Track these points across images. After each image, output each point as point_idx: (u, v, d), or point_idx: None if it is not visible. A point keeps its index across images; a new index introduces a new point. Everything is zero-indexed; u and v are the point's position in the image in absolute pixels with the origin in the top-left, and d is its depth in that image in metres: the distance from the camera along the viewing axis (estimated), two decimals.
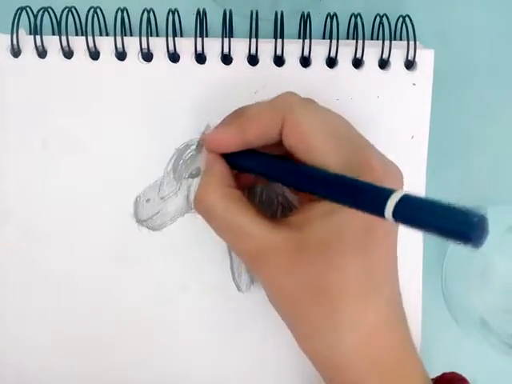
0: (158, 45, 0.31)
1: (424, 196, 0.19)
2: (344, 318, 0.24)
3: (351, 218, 0.23)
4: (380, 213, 0.19)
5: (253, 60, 0.31)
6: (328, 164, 0.24)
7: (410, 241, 0.32)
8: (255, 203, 0.31)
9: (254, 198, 0.31)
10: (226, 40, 0.31)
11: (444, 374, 0.29)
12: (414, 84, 0.31)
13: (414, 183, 0.32)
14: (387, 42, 0.31)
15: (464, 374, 0.35)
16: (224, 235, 0.26)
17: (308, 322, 0.25)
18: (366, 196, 0.21)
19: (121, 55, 0.31)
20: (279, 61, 0.32)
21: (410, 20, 0.31)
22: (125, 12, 0.31)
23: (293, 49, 0.31)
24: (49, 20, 0.31)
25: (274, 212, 0.32)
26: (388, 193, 0.19)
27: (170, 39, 0.31)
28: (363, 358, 0.24)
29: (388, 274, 0.25)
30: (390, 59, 0.31)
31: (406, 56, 0.31)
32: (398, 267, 0.32)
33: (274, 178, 0.28)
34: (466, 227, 0.17)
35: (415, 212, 0.19)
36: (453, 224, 0.17)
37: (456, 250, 0.33)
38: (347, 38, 0.34)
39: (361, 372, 0.24)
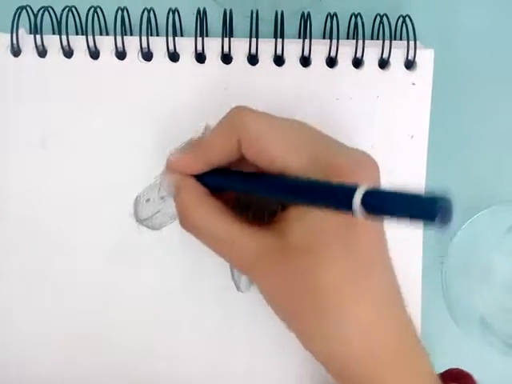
0: (158, 44, 0.31)
1: (384, 188, 0.20)
2: (339, 314, 0.24)
3: (330, 216, 0.24)
4: (350, 210, 0.20)
5: (253, 59, 0.31)
6: (292, 169, 0.24)
7: (410, 241, 0.32)
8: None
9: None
10: (226, 40, 0.31)
11: (449, 370, 0.29)
12: (413, 84, 0.31)
13: (414, 183, 0.32)
14: (387, 42, 0.31)
15: None
16: (213, 246, 0.27)
17: (306, 323, 0.25)
18: (332, 196, 0.21)
19: (121, 54, 0.31)
20: (279, 60, 0.32)
21: (410, 20, 0.31)
22: (125, 11, 0.31)
23: (293, 48, 0.31)
24: (49, 19, 0.31)
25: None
26: (353, 189, 0.20)
27: (170, 39, 0.31)
28: (366, 352, 0.24)
29: (377, 265, 0.25)
30: (390, 59, 0.31)
31: (405, 56, 0.31)
32: (398, 267, 0.31)
33: (243, 191, 0.28)
34: (429, 210, 0.18)
35: (381, 204, 0.19)
36: (417, 208, 0.18)
37: (456, 249, 0.33)
38: (347, 38, 0.34)
39: (367, 365, 0.24)
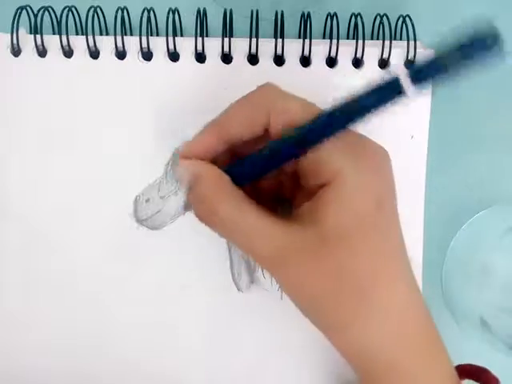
0: (157, 44, 0.31)
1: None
2: (376, 305, 0.23)
3: (362, 198, 0.23)
4: (401, 93, 0.20)
5: (253, 59, 0.31)
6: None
7: (410, 241, 0.32)
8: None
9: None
10: (226, 39, 0.31)
11: (461, 366, 0.29)
12: None
13: (414, 183, 0.32)
14: (387, 42, 0.31)
15: None
16: (240, 239, 0.24)
17: (339, 315, 0.24)
18: (378, 95, 0.21)
19: (121, 54, 0.31)
20: (279, 60, 0.32)
21: (411, 20, 0.31)
22: (125, 11, 0.31)
23: (293, 48, 0.31)
24: (49, 19, 0.31)
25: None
26: (393, 78, 0.19)
27: (170, 38, 0.31)
28: (396, 341, 0.24)
29: (404, 251, 0.25)
30: (390, 59, 0.31)
31: (406, 56, 0.31)
32: None
33: (278, 157, 0.25)
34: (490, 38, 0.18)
35: (430, 66, 0.19)
36: (477, 40, 0.18)
37: (456, 249, 0.33)
38: (347, 38, 0.34)
39: (393, 355, 0.24)
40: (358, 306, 0.24)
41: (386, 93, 0.20)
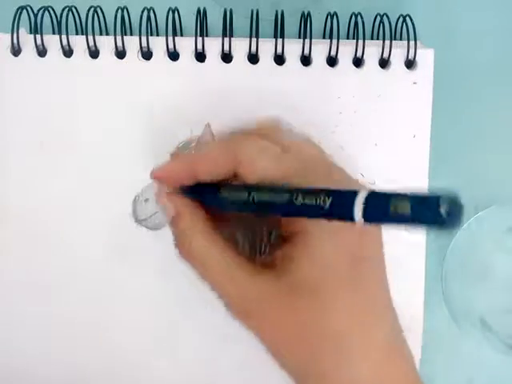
0: (157, 43, 0.31)
1: (387, 190, 0.18)
2: (351, 355, 0.23)
3: (336, 252, 0.23)
4: (350, 217, 0.19)
5: (253, 59, 0.31)
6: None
7: (413, 241, 0.32)
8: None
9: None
10: (227, 39, 0.31)
11: None
12: (414, 83, 0.31)
13: (416, 182, 0.32)
14: (387, 42, 0.31)
15: (464, 374, 0.35)
16: (211, 281, 0.25)
17: (314, 366, 0.24)
18: (331, 204, 0.20)
19: (121, 54, 0.31)
20: (280, 60, 0.32)
21: (411, 19, 0.31)
22: (125, 11, 0.31)
23: (293, 48, 0.31)
24: (49, 19, 0.31)
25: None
26: (353, 194, 0.19)
27: (170, 38, 0.31)
28: None
29: (385, 304, 0.24)
30: (391, 58, 0.31)
31: (406, 55, 0.31)
32: (399, 266, 0.31)
33: (238, 208, 0.25)
34: (438, 214, 0.16)
35: (384, 208, 0.18)
36: (425, 210, 0.17)
37: (456, 249, 0.33)
38: (347, 38, 0.34)
39: None
40: (333, 356, 0.23)
41: (341, 211, 0.19)
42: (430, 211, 0.17)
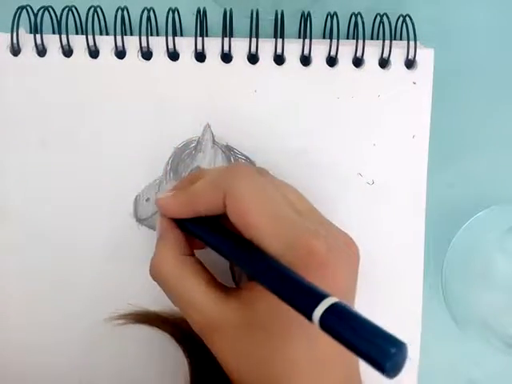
0: (157, 43, 0.31)
1: (353, 310, 0.18)
2: None
3: None
4: (308, 315, 0.19)
5: (253, 58, 0.31)
6: (267, 245, 0.23)
7: (411, 241, 0.32)
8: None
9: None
10: (226, 39, 0.31)
11: None
12: (414, 83, 0.32)
13: (415, 182, 0.32)
14: (387, 42, 0.31)
15: (464, 374, 0.35)
16: (176, 303, 0.26)
17: None
18: (297, 293, 0.20)
19: (120, 54, 0.31)
20: (279, 60, 0.32)
21: (411, 19, 0.31)
22: (125, 11, 0.31)
23: (293, 48, 0.31)
24: (49, 19, 0.31)
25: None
26: (320, 297, 0.19)
27: (170, 38, 0.31)
28: None
29: (338, 358, 0.24)
30: (391, 58, 0.31)
31: (406, 55, 0.31)
32: (399, 266, 0.31)
33: (217, 251, 0.27)
34: (382, 357, 0.17)
35: (340, 325, 0.18)
36: (371, 349, 0.17)
37: (456, 250, 0.33)
38: (347, 38, 0.34)
39: None
40: None
41: (307, 302, 0.19)
42: (376, 354, 0.17)
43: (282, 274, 0.22)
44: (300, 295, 0.20)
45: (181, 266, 0.26)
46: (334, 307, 0.19)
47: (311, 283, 0.20)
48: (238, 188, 0.24)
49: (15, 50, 0.31)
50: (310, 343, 0.23)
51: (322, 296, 0.19)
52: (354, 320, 0.18)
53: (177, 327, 0.31)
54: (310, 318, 0.19)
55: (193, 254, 0.28)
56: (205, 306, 0.25)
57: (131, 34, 0.33)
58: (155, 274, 0.26)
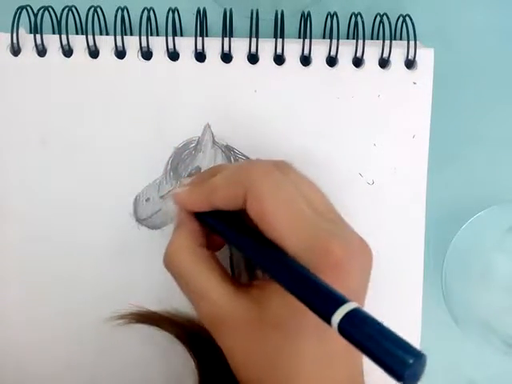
0: (157, 43, 0.31)
1: (372, 317, 0.18)
2: None
3: None
4: (326, 318, 0.19)
5: (253, 58, 0.31)
6: (286, 245, 0.23)
7: (411, 240, 0.32)
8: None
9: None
10: (226, 39, 0.31)
11: None
12: (414, 83, 0.32)
13: (415, 182, 0.32)
14: (387, 42, 0.31)
15: (464, 374, 0.35)
16: (187, 294, 0.26)
17: None
18: (317, 296, 0.20)
19: (120, 53, 0.31)
20: (279, 60, 0.32)
21: (411, 19, 0.31)
22: (125, 11, 0.31)
23: (293, 48, 0.31)
24: (49, 19, 0.31)
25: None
26: (340, 302, 0.19)
27: (170, 38, 0.31)
28: None
29: (346, 359, 0.24)
30: (391, 58, 0.31)
31: (406, 55, 0.31)
32: (399, 266, 0.31)
33: (236, 247, 0.27)
34: (399, 366, 0.17)
35: (359, 332, 0.18)
36: (389, 358, 0.17)
37: (456, 249, 0.33)
38: (347, 38, 0.34)
39: None
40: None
41: (326, 305, 0.20)
42: (394, 363, 0.17)
43: (302, 275, 0.22)
44: (320, 298, 0.20)
45: (196, 256, 0.26)
46: (353, 313, 0.19)
47: (331, 286, 0.20)
48: (259, 187, 0.24)
49: (15, 50, 0.31)
50: (320, 342, 0.24)
51: (341, 300, 0.19)
52: (373, 327, 0.18)
53: (181, 328, 0.31)
54: (328, 321, 0.19)
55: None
56: (217, 298, 0.25)
57: (131, 34, 0.33)
58: (169, 262, 0.26)
